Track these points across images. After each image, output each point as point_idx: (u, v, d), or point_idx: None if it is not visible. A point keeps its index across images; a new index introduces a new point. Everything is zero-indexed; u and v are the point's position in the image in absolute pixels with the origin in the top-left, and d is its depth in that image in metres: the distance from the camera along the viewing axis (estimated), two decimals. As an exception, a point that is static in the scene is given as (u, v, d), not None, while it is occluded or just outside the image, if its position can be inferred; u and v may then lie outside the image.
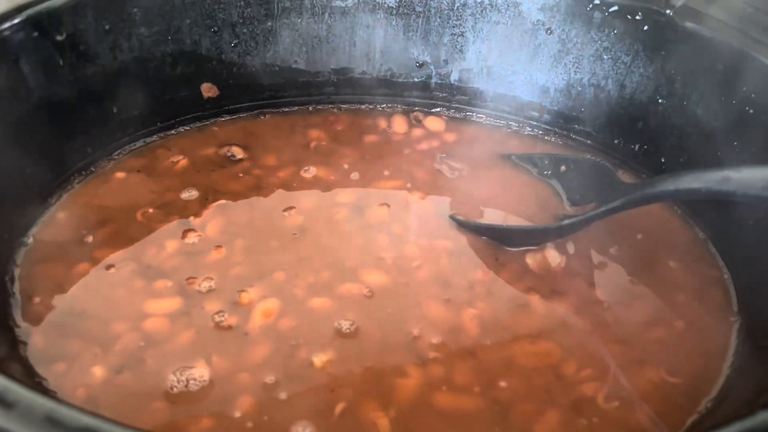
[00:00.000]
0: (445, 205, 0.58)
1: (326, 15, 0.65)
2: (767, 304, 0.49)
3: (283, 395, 0.43)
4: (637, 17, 0.58)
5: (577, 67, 0.63)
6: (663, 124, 0.59)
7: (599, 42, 0.61)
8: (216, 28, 0.63)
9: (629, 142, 0.61)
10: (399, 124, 0.67)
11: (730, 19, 0.55)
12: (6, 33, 0.51)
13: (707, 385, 0.45)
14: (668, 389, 0.45)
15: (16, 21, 0.52)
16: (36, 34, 0.53)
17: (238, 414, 0.42)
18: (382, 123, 0.67)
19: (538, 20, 0.63)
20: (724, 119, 0.54)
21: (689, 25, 0.56)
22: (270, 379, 0.44)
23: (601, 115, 0.63)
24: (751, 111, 0.52)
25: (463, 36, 0.66)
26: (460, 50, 0.66)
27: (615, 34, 0.60)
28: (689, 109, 0.56)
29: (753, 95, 0.52)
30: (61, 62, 0.56)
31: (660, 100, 0.59)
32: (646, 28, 0.58)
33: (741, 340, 0.48)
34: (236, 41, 0.64)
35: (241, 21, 0.63)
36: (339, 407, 0.42)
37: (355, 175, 0.61)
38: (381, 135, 0.66)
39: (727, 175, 0.43)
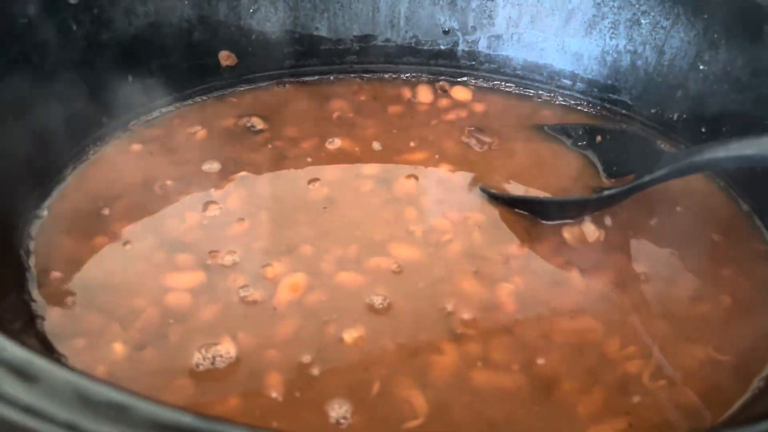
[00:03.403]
0: (476, 177, 0.56)
1: (349, -21, 0.62)
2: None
3: (314, 372, 0.41)
4: (679, -22, 0.56)
5: (612, 32, 0.60)
6: (704, 92, 0.56)
7: (637, 6, 0.58)
8: (235, -8, 0.60)
9: (667, 111, 0.59)
10: (424, 93, 0.64)
11: (779, -20, 0.52)
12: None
13: (758, 363, 0.43)
14: (716, 367, 0.43)
15: (28, -18, 0.50)
16: (50, -4, 0.51)
17: (267, 391, 0.40)
18: (407, 93, 0.65)
19: (572, -17, 0.60)
20: (772, 85, 0.51)
21: (735, -15, 0.53)
22: (300, 355, 0.42)
23: (637, 83, 0.60)
24: (802, 76, 0.49)
25: (492, 0, 0.63)
26: (489, 16, 0.63)
27: (654, -4, 0.57)
28: (733, 75, 0.54)
29: (803, 59, 0.49)
30: (74, 27, 0.53)
31: (701, 67, 0.56)
32: (687, -10, 0.55)
33: (792, 316, 0.46)
34: (255, 6, 0.61)
35: (260, -15, 0.61)
36: (376, 386, 0.40)
37: (380, 147, 0.58)
38: (405, 105, 0.64)
39: (784, 141, 0.41)
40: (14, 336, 0.40)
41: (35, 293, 0.45)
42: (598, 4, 0.60)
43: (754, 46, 0.52)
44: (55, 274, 0.46)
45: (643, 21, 0.58)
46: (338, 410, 0.39)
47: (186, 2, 0.58)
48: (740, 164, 0.45)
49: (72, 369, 0.25)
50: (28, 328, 0.42)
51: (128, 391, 0.25)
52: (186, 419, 0.24)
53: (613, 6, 0.59)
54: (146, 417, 0.24)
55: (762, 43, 0.52)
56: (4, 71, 0.49)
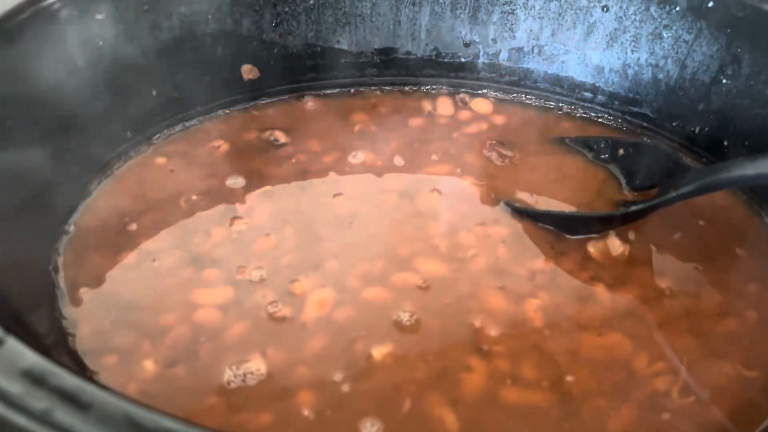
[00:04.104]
0: (498, 191, 0.56)
1: (371, -8, 0.62)
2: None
3: (345, 389, 0.41)
4: (702, -7, 0.56)
5: (634, 45, 0.60)
6: (727, 106, 0.56)
7: (659, 19, 0.58)
8: (258, 7, 0.60)
9: (689, 124, 0.59)
10: (444, 106, 0.65)
11: (803, -6, 0.52)
12: (54, 6, 0.49)
13: (787, 379, 0.43)
14: (745, 384, 0.43)
15: (56, -2, 0.50)
16: (76, 12, 0.51)
17: (299, 409, 0.40)
18: (427, 105, 0.65)
19: (594, -4, 0.61)
20: (796, 100, 0.52)
21: (759, 2, 0.53)
22: (330, 372, 0.42)
23: (659, 97, 0.60)
24: (827, 91, 0.50)
25: (513, 14, 0.63)
26: (510, 29, 0.64)
27: (677, 11, 0.57)
28: (757, 90, 0.54)
29: (829, 74, 0.49)
30: (100, 42, 0.54)
31: (724, 81, 0.56)
32: (711, 4, 0.55)
33: (819, 331, 0.46)
34: (278, 20, 0.61)
35: (283, -1, 0.61)
36: (407, 404, 0.40)
37: (402, 160, 0.58)
38: (426, 118, 0.64)
39: (814, 159, 0.41)
40: (47, 354, 0.40)
41: (65, 310, 0.45)
42: (620, 17, 0.60)
43: (778, 60, 0.53)
44: (84, 291, 0.46)
45: (665, 35, 0.58)
46: (370, 429, 0.39)
47: (209, 17, 0.59)
48: (769, 181, 0.45)
49: (124, 396, 0.26)
50: (59, 346, 0.43)
51: (181, 419, 0.25)
52: (239, 448, 0.24)
53: (634, 20, 0.59)
54: (199, 446, 0.24)
55: (786, 58, 0.52)
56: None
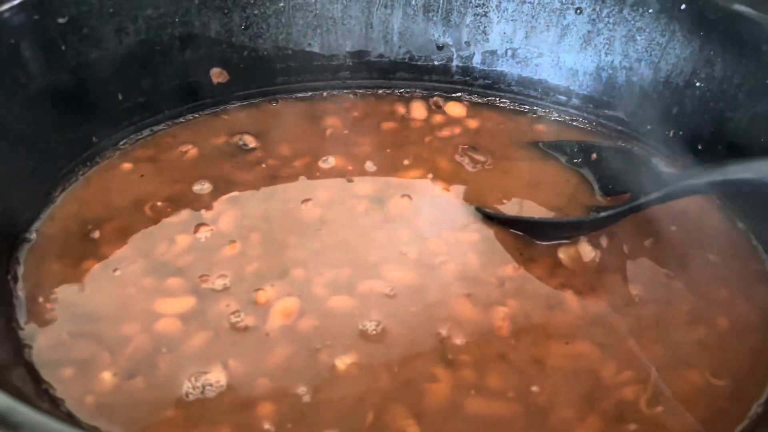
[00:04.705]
0: (470, 196, 0.55)
1: (342, -6, 0.62)
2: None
3: (307, 401, 0.40)
4: (675, -5, 0.55)
5: (608, 48, 0.59)
6: (701, 109, 0.55)
7: (632, 22, 0.58)
8: (226, 10, 0.59)
9: (663, 127, 0.58)
10: (418, 110, 0.64)
11: (775, -3, 0.52)
12: (6, 15, 0.48)
13: (757, 388, 0.43)
14: (714, 393, 0.43)
15: (15, 2, 0.49)
16: (37, 16, 0.50)
17: (259, 422, 0.39)
18: (401, 109, 0.64)
19: (567, -1, 0.60)
20: (768, 103, 0.51)
21: (731, 3, 0.53)
22: (292, 383, 0.41)
23: (633, 100, 0.59)
24: (799, 95, 0.49)
25: (486, 16, 0.62)
26: (483, 31, 0.63)
27: (650, 13, 0.57)
28: (730, 93, 0.53)
29: (801, 78, 0.49)
30: (63, 47, 0.52)
31: (698, 84, 0.55)
32: (683, 6, 0.55)
33: (790, 339, 0.45)
34: (247, 23, 0.60)
35: (252, 1, 0.60)
36: (369, 416, 0.40)
37: (373, 165, 0.58)
38: (399, 122, 0.63)
39: (781, 165, 0.40)
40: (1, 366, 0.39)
41: (23, 321, 0.44)
42: (593, 20, 0.59)
43: (749, 64, 0.52)
44: (43, 301, 0.45)
45: (638, 37, 0.58)
46: (331, 442, 0.39)
47: (177, 19, 0.58)
48: (738, 188, 0.44)
49: (56, 417, 0.25)
50: (15, 357, 0.42)
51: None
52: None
53: (608, 22, 0.59)
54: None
55: (757, 61, 0.51)
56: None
